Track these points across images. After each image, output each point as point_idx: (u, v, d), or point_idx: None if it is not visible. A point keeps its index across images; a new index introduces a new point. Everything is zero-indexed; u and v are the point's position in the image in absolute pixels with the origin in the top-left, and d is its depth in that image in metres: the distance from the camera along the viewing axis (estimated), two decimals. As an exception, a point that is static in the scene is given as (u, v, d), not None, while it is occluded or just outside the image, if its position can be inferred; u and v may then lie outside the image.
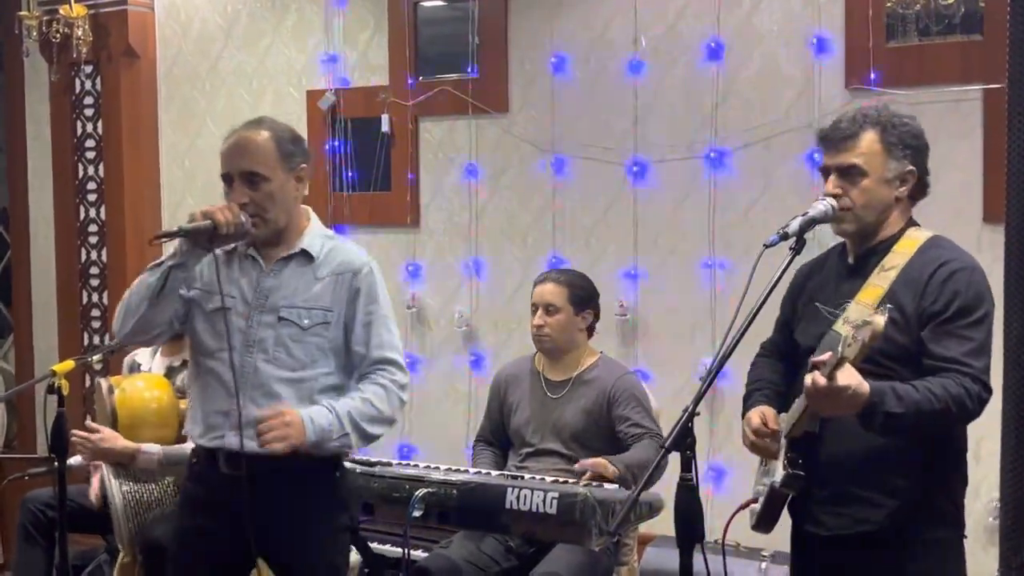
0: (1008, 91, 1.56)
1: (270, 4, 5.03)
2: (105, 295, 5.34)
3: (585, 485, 3.13)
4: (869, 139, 2.48)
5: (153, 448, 3.52)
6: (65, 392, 3.10)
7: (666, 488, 2.51)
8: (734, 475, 4.04)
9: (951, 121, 3.71)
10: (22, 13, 5.10)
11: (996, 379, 1.78)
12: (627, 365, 3.90)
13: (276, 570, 2.86)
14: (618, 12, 4.25)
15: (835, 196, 2.49)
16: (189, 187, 5.29)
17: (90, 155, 5.36)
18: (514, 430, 3.73)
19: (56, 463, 3.15)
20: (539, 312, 3.66)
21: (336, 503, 2.86)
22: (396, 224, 4.75)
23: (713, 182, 4.10)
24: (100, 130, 5.32)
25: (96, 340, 5.35)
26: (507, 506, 3.05)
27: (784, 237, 2.43)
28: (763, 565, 3.64)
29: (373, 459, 3.50)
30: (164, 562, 3.14)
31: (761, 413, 2.56)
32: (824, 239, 2.83)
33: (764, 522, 2.59)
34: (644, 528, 3.76)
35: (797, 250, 2.42)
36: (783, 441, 2.50)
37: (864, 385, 2.25)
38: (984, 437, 2.76)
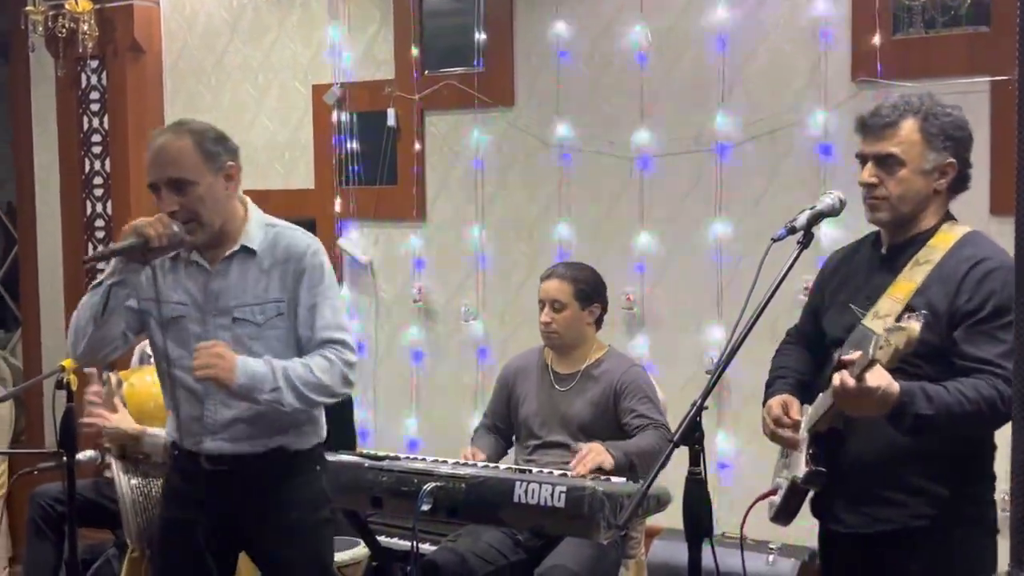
0: (1018, 82, 1.55)
1: (275, -2, 5.04)
2: (112, 290, 5.34)
3: (593, 479, 3.14)
4: (909, 128, 2.41)
5: (159, 432, 3.53)
6: (74, 387, 3.10)
7: (674, 484, 2.50)
8: (740, 467, 4.03)
9: (958, 113, 3.71)
10: (28, 8, 5.10)
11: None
12: (633, 358, 3.90)
13: (259, 563, 2.89)
14: (624, 5, 4.24)
15: (871, 185, 2.44)
16: (195, 182, 5.29)
17: (96, 150, 5.37)
18: (521, 422, 3.74)
19: (65, 458, 3.15)
20: (546, 309, 3.66)
21: (318, 496, 2.87)
22: (402, 218, 4.75)
23: (720, 175, 4.10)
24: (106, 125, 5.32)
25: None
26: (515, 500, 3.05)
27: (792, 231, 2.42)
28: (770, 558, 3.65)
29: (381, 453, 3.52)
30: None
31: (783, 402, 2.52)
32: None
33: (783, 515, 2.55)
34: (651, 521, 3.76)
35: (805, 244, 2.40)
36: (806, 435, 2.45)
37: (894, 386, 2.20)
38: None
